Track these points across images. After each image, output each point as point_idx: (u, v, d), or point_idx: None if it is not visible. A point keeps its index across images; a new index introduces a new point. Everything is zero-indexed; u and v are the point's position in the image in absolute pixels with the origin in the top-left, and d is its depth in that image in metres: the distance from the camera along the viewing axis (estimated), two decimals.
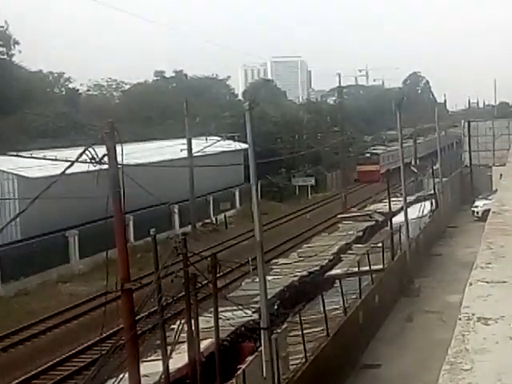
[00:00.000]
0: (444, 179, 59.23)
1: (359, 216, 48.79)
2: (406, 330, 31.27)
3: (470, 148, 73.13)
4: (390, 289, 35.12)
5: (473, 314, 6.44)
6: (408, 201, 43.37)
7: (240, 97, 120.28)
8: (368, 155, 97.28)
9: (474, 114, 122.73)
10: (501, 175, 23.58)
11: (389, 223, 39.27)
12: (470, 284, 7.65)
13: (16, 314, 35.95)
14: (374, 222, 45.81)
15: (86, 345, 30.12)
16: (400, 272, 37.97)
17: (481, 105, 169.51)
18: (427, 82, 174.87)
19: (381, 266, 34.34)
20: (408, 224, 40.21)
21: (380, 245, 36.34)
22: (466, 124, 74.79)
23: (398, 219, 41.32)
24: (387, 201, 41.03)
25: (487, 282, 7.71)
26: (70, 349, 30.11)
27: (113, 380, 16.73)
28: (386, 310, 33.68)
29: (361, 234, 42.33)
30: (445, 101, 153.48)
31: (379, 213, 47.15)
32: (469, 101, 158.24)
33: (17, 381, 26.93)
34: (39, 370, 28.00)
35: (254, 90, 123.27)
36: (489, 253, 9.16)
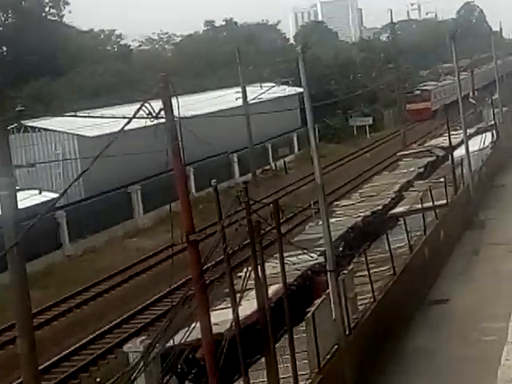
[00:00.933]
0: (504, 109, 58.26)
1: (419, 152, 48.29)
2: (472, 264, 31.13)
3: None
4: (454, 223, 34.90)
5: None
6: (468, 133, 42.84)
7: (292, 41, 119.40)
8: (418, 92, 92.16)
9: None
10: None
11: (450, 157, 38.86)
12: None
13: (85, 271, 36.66)
14: (434, 157, 45.32)
15: (156, 297, 30.62)
16: (464, 206, 37.68)
17: None
18: (481, 11, 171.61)
19: (444, 201, 34.07)
20: (469, 157, 39.76)
21: (442, 180, 36.03)
22: None
23: (460, 153, 40.89)
24: (447, 135, 40.56)
25: None
26: (140, 302, 30.65)
27: (185, 330, 16.99)
28: (452, 244, 33.53)
29: (422, 170, 41.93)
30: (500, 29, 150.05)
31: (439, 147, 46.63)
32: None
33: (92, 335, 27.59)
34: (113, 324, 28.61)
35: (305, 33, 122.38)
36: None
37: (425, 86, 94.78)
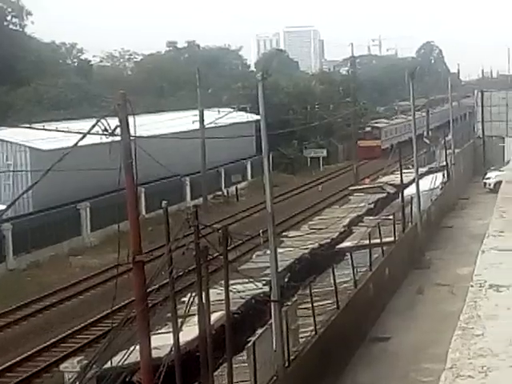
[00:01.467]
0: (456, 150, 58.99)
1: (371, 188, 48.74)
2: (416, 303, 31.32)
3: (482, 118, 72.68)
4: (400, 261, 35.14)
5: (485, 281, 6.51)
6: (420, 173, 43.28)
7: (252, 67, 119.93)
8: (369, 129, 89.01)
9: (488, 83, 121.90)
10: None
11: (400, 195, 39.22)
12: (483, 252, 7.71)
13: (28, 286, 36.18)
14: (385, 194, 45.75)
15: (97, 317, 30.31)
16: (411, 244, 37.98)
17: (494, 74, 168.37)
18: (440, 51, 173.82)
19: (392, 239, 34.35)
20: (419, 196, 40.12)
21: (391, 217, 36.33)
22: (480, 94, 74.25)
23: (410, 191, 41.26)
24: (399, 173, 40.94)
25: (499, 250, 7.76)
26: (81, 321, 30.31)
27: (124, 352, 16.84)
28: (397, 282, 33.73)
29: (372, 205, 42.30)
30: (458, 71, 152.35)
31: (391, 185, 47.06)
32: (482, 71, 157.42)
33: (29, 353, 27.19)
34: (51, 342, 28.23)
35: (266, 61, 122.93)
36: (501, 221, 9.22)
37: (376, 123, 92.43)
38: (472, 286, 6.34)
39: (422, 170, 47.80)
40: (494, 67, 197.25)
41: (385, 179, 50.61)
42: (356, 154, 74.14)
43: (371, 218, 38.70)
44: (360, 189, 49.42)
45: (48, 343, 28.02)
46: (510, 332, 5.63)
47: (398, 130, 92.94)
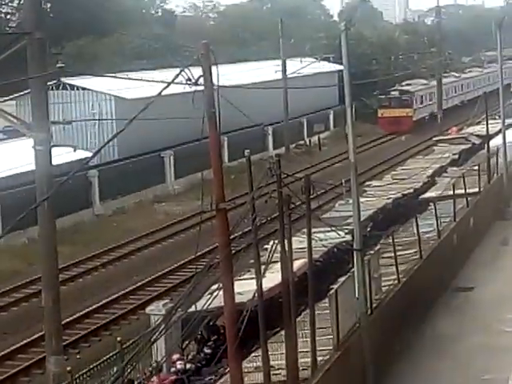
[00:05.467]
0: None
1: (455, 138, 48.00)
2: (500, 254, 30.95)
3: None
4: (485, 212, 34.68)
5: None
6: (506, 123, 42.42)
7: (335, 17, 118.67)
8: (396, 94, 70.60)
9: None
10: None
11: (486, 146, 38.56)
12: None
13: (114, 231, 36.96)
14: (470, 145, 45.03)
15: (182, 262, 30.81)
16: (496, 195, 37.41)
17: None
18: None
19: (476, 189, 33.88)
20: (506, 146, 39.40)
21: (476, 168, 35.79)
22: None
23: (497, 142, 40.53)
24: (485, 123, 40.21)
25: None
26: (166, 266, 30.86)
27: (208, 297, 17.09)
28: (481, 233, 33.33)
29: (456, 156, 41.71)
30: None
31: (476, 135, 46.27)
32: None
33: (116, 295, 27.85)
34: (137, 285, 28.86)
35: (349, 11, 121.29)
36: None
37: (408, 84, 73.52)
38: None
39: (508, 120, 46.82)
40: None
41: (470, 130, 49.75)
42: (379, 127, 66.27)
43: (455, 168, 38.18)
44: (444, 139, 48.71)
45: (134, 286, 28.67)
46: None
47: (445, 91, 75.94)
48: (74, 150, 23.47)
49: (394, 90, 70.13)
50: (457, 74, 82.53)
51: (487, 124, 39.06)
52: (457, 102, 77.72)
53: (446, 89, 76.87)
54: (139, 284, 28.95)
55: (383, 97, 68.81)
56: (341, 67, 25.34)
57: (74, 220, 37.80)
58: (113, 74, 36.81)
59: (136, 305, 26.82)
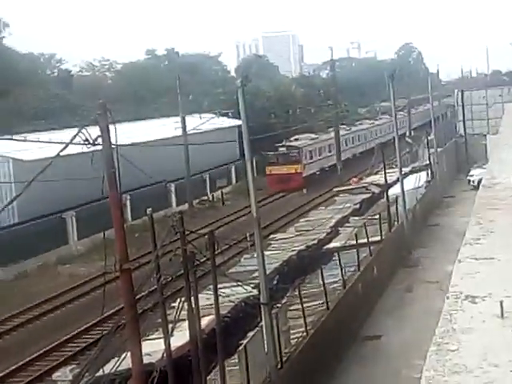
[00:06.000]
0: (439, 149, 59.20)
1: (355, 188, 48.84)
2: (405, 301, 31.37)
3: (464, 117, 73.10)
4: (388, 260, 35.20)
5: (461, 293, 6.45)
6: (404, 172, 43.40)
7: (233, 73, 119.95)
8: (283, 150, 67.04)
9: (468, 83, 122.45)
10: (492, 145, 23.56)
11: (385, 195, 39.30)
12: (459, 261, 7.65)
13: (16, 297, 36.03)
14: (370, 194, 45.84)
15: (87, 325, 30.19)
16: (398, 243, 38.05)
17: (474, 74, 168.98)
18: (419, 52, 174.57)
19: (378, 238, 34.41)
20: (404, 195, 40.23)
21: (377, 217, 36.39)
22: (460, 93, 74.69)
23: (395, 191, 41.35)
24: (383, 173, 41.02)
25: (476, 259, 7.71)
26: (72, 330, 30.19)
27: (115, 359, 16.78)
28: (385, 281, 33.78)
29: (358, 206, 42.39)
30: (437, 71, 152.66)
31: (375, 184, 47.16)
32: (462, 70, 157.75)
33: (21, 363, 27.05)
34: (42, 351, 28.11)
35: (246, 66, 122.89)
36: (478, 228, 9.17)
37: (296, 139, 69.85)
38: (448, 298, 6.30)
39: (405, 169, 47.92)
40: (473, 67, 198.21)
41: (369, 179, 50.70)
42: (268, 184, 62.02)
43: (357, 218, 38.76)
44: (345, 190, 49.49)
45: (39, 353, 27.90)
46: (484, 346, 5.57)
47: (329, 147, 73.30)
48: None
49: (282, 146, 67.02)
50: (347, 128, 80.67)
51: (385, 174, 39.87)
52: (349, 155, 77.00)
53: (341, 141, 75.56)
54: (44, 350, 28.19)
55: (271, 153, 65.24)
56: (240, 122, 25.56)
57: None
58: (9, 136, 36.21)
59: (42, 371, 26.06)
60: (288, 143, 67.71)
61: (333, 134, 74.09)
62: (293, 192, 61.85)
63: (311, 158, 68.86)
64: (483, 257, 7.78)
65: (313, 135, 72.67)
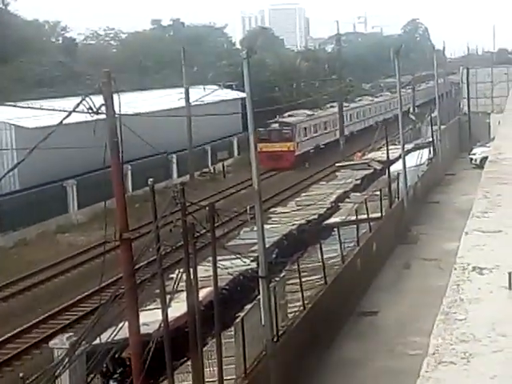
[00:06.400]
0: (442, 127, 59.12)
1: (357, 164, 48.81)
2: (403, 277, 31.49)
3: (468, 95, 72.86)
4: (387, 236, 35.28)
5: (468, 264, 6.45)
6: (406, 149, 43.35)
7: (238, 45, 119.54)
8: (276, 126, 63.61)
9: (473, 61, 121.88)
10: (499, 122, 23.61)
11: (387, 171, 39.29)
12: (466, 233, 7.66)
13: (15, 263, 36.14)
14: (372, 171, 45.83)
15: (85, 294, 30.32)
16: (398, 220, 38.12)
17: (480, 52, 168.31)
18: (426, 28, 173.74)
19: (379, 214, 34.45)
20: (406, 172, 40.24)
21: (378, 193, 36.41)
22: (465, 71, 74.40)
23: (397, 167, 41.34)
24: (385, 149, 40.99)
25: (483, 232, 7.71)
26: (69, 298, 30.32)
27: (112, 328, 16.87)
28: (384, 257, 33.89)
29: (359, 182, 42.39)
30: (443, 48, 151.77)
31: (377, 161, 47.13)
32: (468, 48, 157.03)
33: (18, 329, 27.19)
34: (40, 318, 28.25)
35: (251, 39, 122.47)
36: (485, 202, 9.15)
37: (289, 115, 66.94)
38: (455, 269, 6.31)
39: (408, 146, 47.86)
40: (479, 45, 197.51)
41: (371, 155, 50.66)
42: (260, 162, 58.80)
43: (358, 194, 38.78)
44: (346, 165, 49.46)
45: (37, 320, 28.05)
46: (492, 316, 5.61)
47: (326, 124, 71.35)
48: None
49: (274, 123, 63.35)
50: (345, 104, 76.50)
51: (387, 150, 39.83)
52: (346, 133, 72.51)
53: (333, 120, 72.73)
54: (42, 317, 28.34)
55: (262, 130, 59.03)
56: (244, 94, 25.49)
57: None
58: (12, 103, 36.18)
59: (39, 339, 26.21)
60: (281, 119, 64.91)
61: (329, 111, 72.82)
62: (285, 171, 59.66)
63: (305, 135, 66.19)
64: (491, 230, 7.79)
65: (308, 111, 69.86)
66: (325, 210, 35.35)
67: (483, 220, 8.49)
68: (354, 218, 32.23)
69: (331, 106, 75.78)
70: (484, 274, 6.25)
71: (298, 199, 39.49)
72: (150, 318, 18.88)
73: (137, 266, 16.74)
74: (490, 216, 8.67)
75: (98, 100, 15.06)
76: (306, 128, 66.60)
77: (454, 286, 6.06)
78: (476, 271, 6.42)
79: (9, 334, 26.77)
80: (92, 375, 18.61)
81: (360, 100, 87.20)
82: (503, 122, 15.02)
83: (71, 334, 20.59)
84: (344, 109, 73.52)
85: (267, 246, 22.62)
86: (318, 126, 69.66)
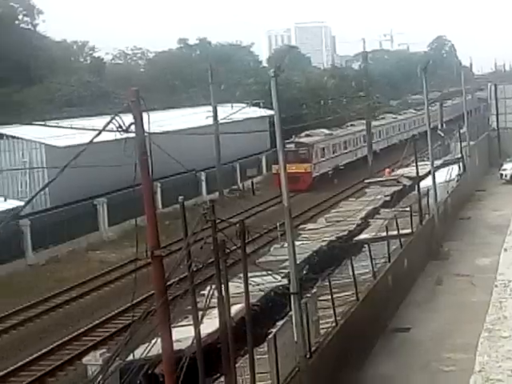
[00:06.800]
0: (471, 143, 58.86)
1: (386, 180, 48.64)
2: (435, 294, 31.28)
3: (497, 111, 72.54)
4: (418, 252, 35.07)
5: (509, 281, 6.37)
6: (435, 165, 43.16)
7: (264, 63, 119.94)
8: (292, 147, 59.96)
9: (500, 76, 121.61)
10: None
11: (416, 187, 39.11)
12: (505, 250, 7.57)
13: (47, 281, 36.35)
14: (401, 187, 45.64)
15: (118, 311, 30.40)
16: (429, 236, 37.89)
17: (507, 68, 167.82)
18: (452, 45, 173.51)
19: (409, 230, 34.27)
20: (436, 188, 40.03)
21: (408, 209, 36.24)
22: (493, 87, 74.14)
23: (426, 183, 41.15)
24: (414, 165, 40.82)
25: None
26: (102, 315, 30.42)
27: (145, 345, 16.87)
28: (416, 273, 33.68)
29: (388, 198, 42.21)
30: (470, 64, 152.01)
31: (406, 177, 46.95)
32: (495, 64, 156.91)
33: (51, 346, 27.29)
34: (73, 335, 28.35)
35: (278, 57, 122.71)
36: None
37: (307, 135, 64.72)
38: (496, 286, 6.22)
39: (437, 162, 47.66)
40: (506, 61, 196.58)
41: (400, 172, 50.49)
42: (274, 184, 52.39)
43: (388, 210, 38.61)
44: (376, 181, 49.30)
45: (70, 336, 28.16)
46: None
47: (348, 142, 69.12)
48: (5, 200, 23.21)
49: (291, 143, 59.72)
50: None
51: (417, 166, 39.66)
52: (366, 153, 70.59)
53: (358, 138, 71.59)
54: (75, 334, 28.45)
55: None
56: (271, 112, 25.51)
57: (6, 270, 37.22)
58: (42, 122, 36.47)
59: (73, 355, 26.31)
60: (297, 139, 62.26)
61: (349, 129, 70.93)
62: (302, 193, 56.40)
63: (322, 156, 63.87)
64: None
65: (326, 131, 67.57)
66: (355, 226, 35.23)
67: None
68: (384, 234, 32.09)
69: (351, 125, 74.21)
70: None
71: (327, 215, 39.40)
72: (183, 335, 18.86)
73: (168, 283, 16.72)
74: None
75: (128, 119, 15.14)
76: (324, 148, 64.55)
77: (497, 303, 5.98)
78: None
79: (43, 350, 26.90)
80: None
81: (382, 118, 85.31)
82: None
83: (104, 350, 20.63)
84: (363, 128, 72.46)
85: (298, 262, 22.56)
86: (337, 145, 67.42)
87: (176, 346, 16.74)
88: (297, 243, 25.97)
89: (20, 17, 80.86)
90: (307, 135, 64.01)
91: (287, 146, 55.45)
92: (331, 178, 63.47)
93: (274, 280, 24.50)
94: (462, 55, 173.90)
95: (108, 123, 14.67)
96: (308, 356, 20.41)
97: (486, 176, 61.66)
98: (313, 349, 21.03)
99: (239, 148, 62.52)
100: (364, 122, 72.97)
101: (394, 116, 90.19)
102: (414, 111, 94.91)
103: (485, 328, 5.33)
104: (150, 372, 18.57)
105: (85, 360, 19.60)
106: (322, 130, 67.29)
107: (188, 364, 16.15)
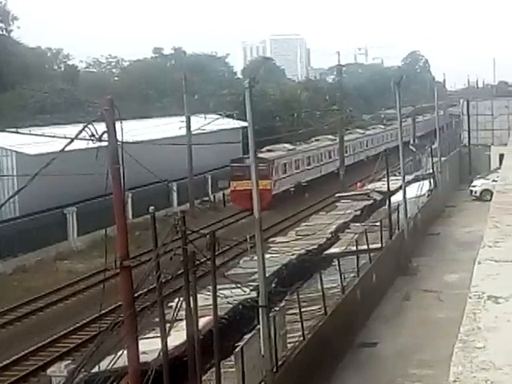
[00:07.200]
0: (442, 158, 59.19)
1: (357, 195, 48.79)
2: (403, 309, 31.36)
3: (469, 127, 73.02)
4: (387, 267, 35.18)
5: (483, 293, 6.41)
6: (406, 180, 43.34)
7: (239, 75, 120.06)
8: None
9: (473, 93, 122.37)
10: (501, 155, 23.70)
11: (387, 202, 39.26)
12: (479, 262, 7.63)
13: (14, 290, 36.01)
14: (372, 201, 45.79)
15: (84, 322, 30.18)
16: (398, 251, 38.01)
17: (480, 84, 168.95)
18: (426, 60, 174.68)
19: (379, 245, 34.38)
20: (406, 203, 40.19)
21: (378, 224, 36.36)
22: (465, 103, 74.63)
23: (397, 198, 41.30)
24: (385, 180, 40.98)
25: (496, 261, 7.68)
26: (68, 326, 30.18)
27: (111, 356, 16.78)
28: (384, 288, 33.76)
29: (359, 212, 42.34)
30: (444, 80, 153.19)
31: (378, 191, 47.12)
32: (468, 80, 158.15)
33: (16, 357, 27.03)
34: (37, 346, 28.09)
35: (253, 68, 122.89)
36: (496, 231, 9.14)
37: (268, 150, 60.26)
38: (470, 298, 6.25)
39: (408, 177, 47.88)
40: (479, 77, 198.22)
41: (371, 186, 50.66)
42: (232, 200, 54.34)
43: (358, 224, 38.71)
44: (346, 196, 49.43)
45: (35, 347, 27.89)
46: (511, 344, 5.58)
47: (310, 158, 66.83)
48: None
49: (249, 158, 55.96)
50: (332, 138, 71.88)
51: (388, 181, 39.82)
52: (333, 169, 69.34)
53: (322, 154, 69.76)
54: (40, 345, 28.19)
55: (236, 165, 55.35)
56: (244, 123, 25.56)
57: None
58: (13, 129, 36.25)
59: (37, 366, 26.05)
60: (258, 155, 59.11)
61: (313, 145, 69.21)
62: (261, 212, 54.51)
63: (284, 172, 60.81)
64: (503, 259, 7.77)
65: (289, 146, 64.88)
66: (325, 240, 35.30)
67: (495, 249, 8.48)
68: (354, 248, 32.18)
69: (316, 140, 72.43)
70: (500, 303, 6.22)
71: (297, 229, 39.44)
72: (149, 347, 18.79)
73: (136, 294, 16.65)
74: (501, 246, 8.66)
75: (101, 127, 15.08)
76: (285, 164, 61.48)
77: (471, 314, 6.01)
78: (491, 300, 6.39)
79: (6, 361, 26.62)
80: None
81: (350, 133, 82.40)
82: (509, 154, 15.03)
83: (69, 361, 20.48)
84: (331, 143, 71.24)
85: (267, 275, 22.55)
86: (299, 161, 64.71)
87: (142, 358, 16.69)
88: (266, 256, 25.95)
89: None
90: (269, 150, 60.48)
91: (245, 161, 51.07)
92: (293, 196, 61.66)
93: (242, 293, 24.49)
94: (435, 71, 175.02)
95: (80, 131, 14.63)
96: (275, 370, 20.38)
97: (456, 192, 62.00)
98: (280, 363, 21.01)
99: (212, 159, 62.43)
100: (330, 136, 71.99)
101: (361, 131, 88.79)
102: (382, 126, 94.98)
103: (459, 339, 5.35)
104: None
105: (49, 371, 19.46)
106: (285, 144, 65.08)
107: (154, 377, 16.10)
